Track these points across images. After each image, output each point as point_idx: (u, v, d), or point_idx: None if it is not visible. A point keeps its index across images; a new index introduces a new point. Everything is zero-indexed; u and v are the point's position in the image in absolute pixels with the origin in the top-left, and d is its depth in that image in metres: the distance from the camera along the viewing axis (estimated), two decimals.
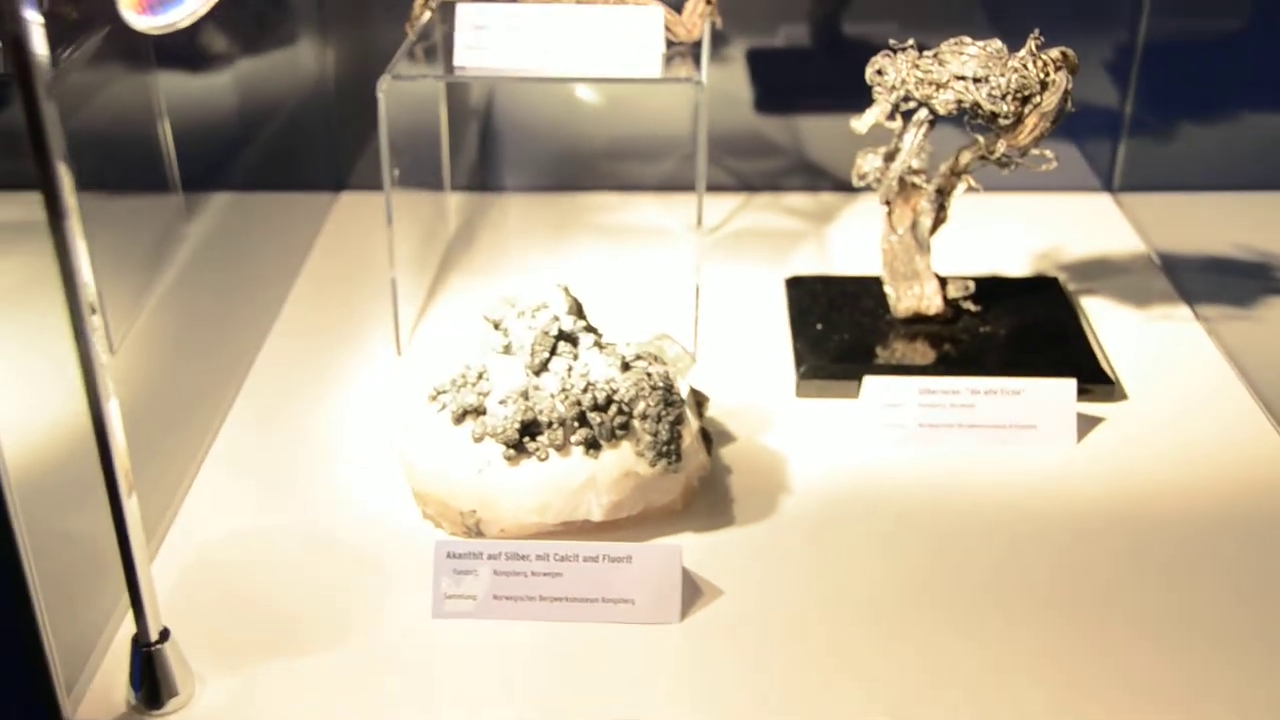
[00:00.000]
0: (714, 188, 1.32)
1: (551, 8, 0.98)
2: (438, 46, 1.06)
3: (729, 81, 1.36)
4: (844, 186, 1.31)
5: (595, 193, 1.33)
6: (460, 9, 0.99)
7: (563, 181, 1.34)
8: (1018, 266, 1.18)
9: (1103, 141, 1.35)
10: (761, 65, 1.43)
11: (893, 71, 0.97)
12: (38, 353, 0.77)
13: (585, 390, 0.84)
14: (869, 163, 1.02)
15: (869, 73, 0.99)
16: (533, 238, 1.25)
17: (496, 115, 1.37)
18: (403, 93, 0.98)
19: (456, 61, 0.98)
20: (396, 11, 1.34)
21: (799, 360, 1.03)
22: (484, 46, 0.98)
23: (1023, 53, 0.95)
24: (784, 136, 1.40)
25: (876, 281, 1.08)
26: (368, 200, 1.31)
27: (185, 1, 0.77)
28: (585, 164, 1.34)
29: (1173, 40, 1.30)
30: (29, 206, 0.68)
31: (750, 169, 1.36)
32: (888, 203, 1.02)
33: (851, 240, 1.23)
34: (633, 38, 0.97)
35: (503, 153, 1.36)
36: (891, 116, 0.98)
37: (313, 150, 1.33)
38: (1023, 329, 1.05)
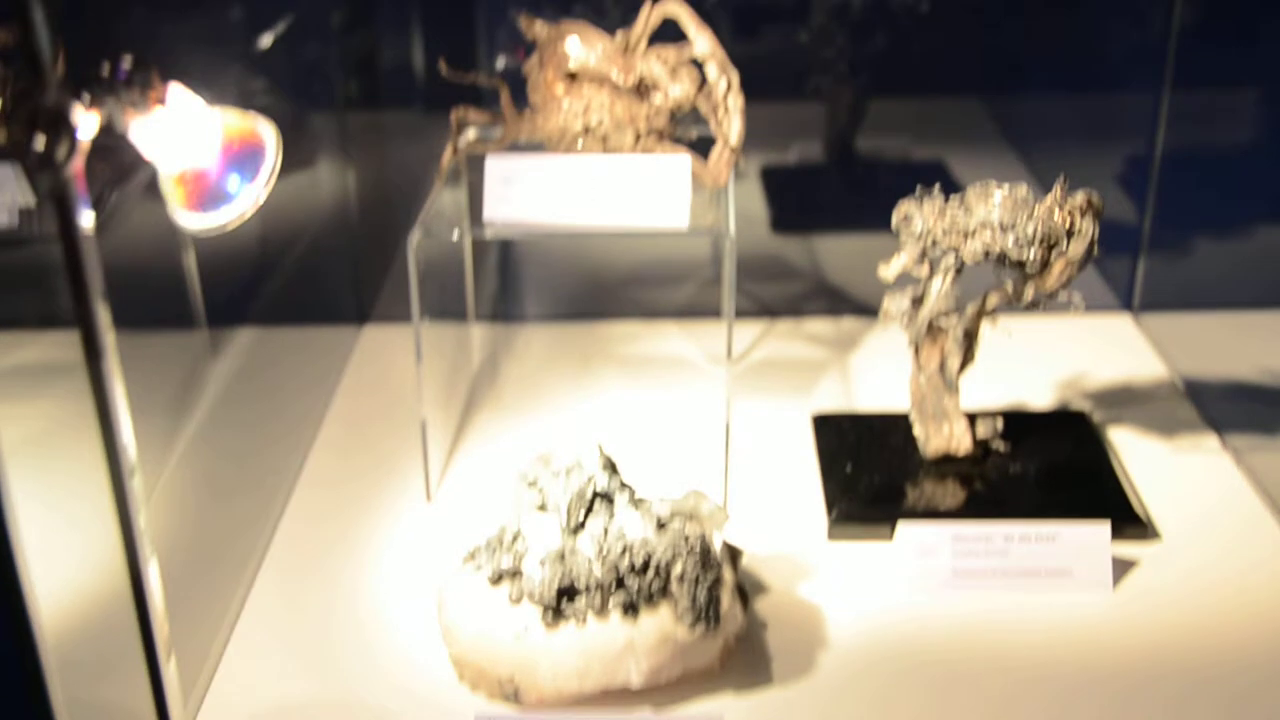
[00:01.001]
0: (735, 314, 1.34)
1: (578, 158, 1.02)
2: (465, 194, 1.09)
3: (744, 200, 1.40)
4: (865, 310, 1.35)
5: (618, 321, 1.35)
6: (489, 161, 1.01)
7: (585, 310, 1.36)
8: (1042, 396, 1.20)
9: (1121, 260, 1.37)
10: (776, 183, 1.47)
11: (920, 219, 1.00)
12: (65, 510, 0.77)
13: (622, 553, 0.85)
14: (896, 305, 1.04)
15: (895, 219, 1.01)
16: (558, 370, 1.26)
17: (518, 246, 1.40)
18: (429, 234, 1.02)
19: (486, 215, 1.01)
20: (420, 138, 1.38)
21: (830, 504, 1.04)
22: (512, 198, 1.01)
23: (1048, 200, 0.98)
24: (802, 258, 1.43)
25: (904, 418, 1.09)
26: (393, 333, 1.33)
27: (236, 201, 0.80)
28: (607, 292, 1.37)
29: (1191, 153, 1.33)
30: (55, 347, 0.69)
31: (770, 293, 1.38)
32: (917, 346, 1.04)
33: (876, 370, 1.25)
34: (660, 186, 1.00)
35: (525, 283, 1.40)
36: (919, 262, 1.00)
37: (335, 282, 1.36)
38: (1052, 467, 1.06)
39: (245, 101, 0.88)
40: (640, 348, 1.31)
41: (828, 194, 1.45)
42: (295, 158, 1.33)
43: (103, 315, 0.64)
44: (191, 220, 0.81)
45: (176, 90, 0.79)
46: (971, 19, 1.35)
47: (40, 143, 0.57)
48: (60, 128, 0.57)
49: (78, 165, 0.60)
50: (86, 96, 0.69)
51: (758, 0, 1.35)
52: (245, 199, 0.82)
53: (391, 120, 1.41)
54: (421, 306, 1.01)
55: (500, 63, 1.34)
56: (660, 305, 1.36)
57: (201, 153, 0.80)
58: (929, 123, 1.43)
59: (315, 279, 1.33)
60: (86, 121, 0.71)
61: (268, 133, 0.85)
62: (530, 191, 1.00)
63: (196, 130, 0.80)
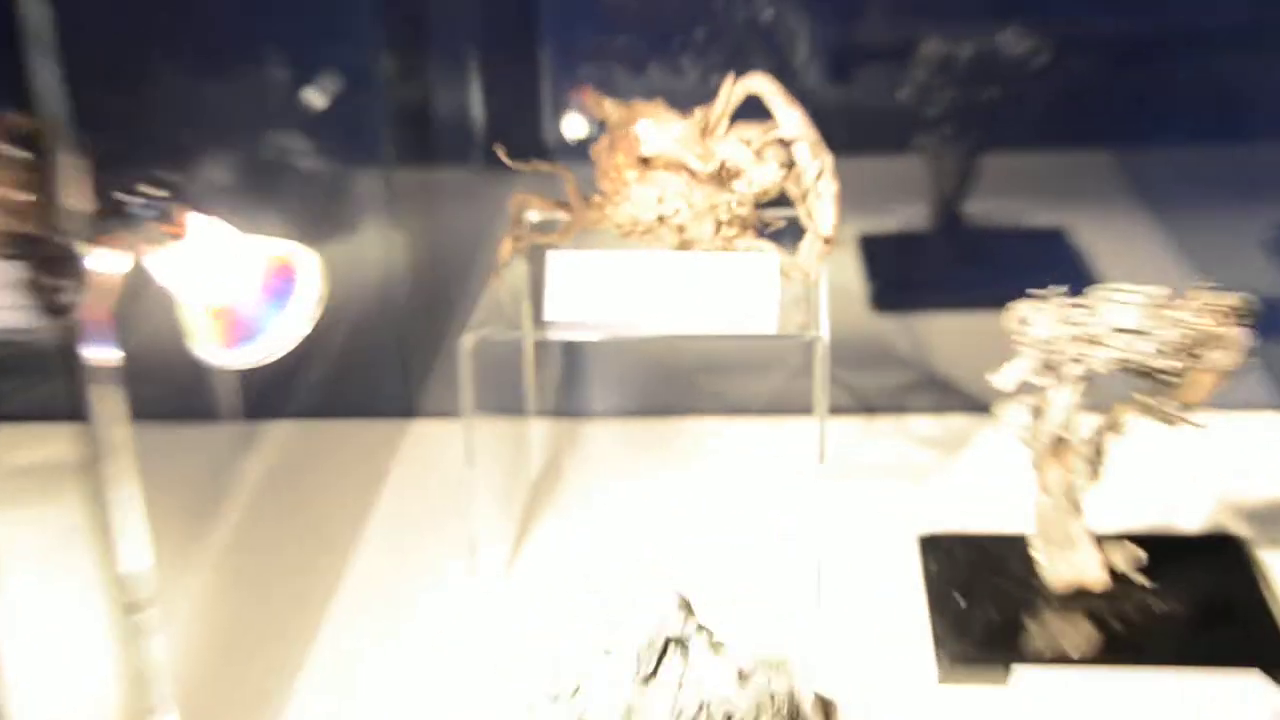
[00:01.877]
0: (830, 409, 1.33)
1: (652, 254, 1.01)
2: (523, 288, 1.09)
3: (839, 273, 1.38)
4: (977, 406, 1.31)
5: (692, 417, 1.34)
6: (552, 257, 1.01)
7: (656, 404, 1.35)
8: (1189, 515, 1.15)
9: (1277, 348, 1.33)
10: (875, 253, 1.44)
11: (1039, 323, 0.98)
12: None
13: (699, 710, 0.84)
14: (1013, 416, 1.02)
15: (1010, 321, 0.99)
16: (625, 473, 1.25)
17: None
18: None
19: (548, 314, 1.00)
20: (476, 199, 1.39)
21: (939, 643, 1.00)
22: (577, 296, 1.00)
23: (1192, 302, 0.95)
24: (904, 341, 1.40)
25: (1023, 541, 1.06)
26: (444, 429, 1.32)
27: (268, 337, 0.81)
28: (680, 384, 1.36)
29: None
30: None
31: (867, 384, 1.36)
32: (1038, 464, 1.02)
33: (991, 481, 1.21)
34: (744, 287, 0.99)
35: (590, 375, 1.39)
36: (1038, 371, 0.98)
37: (381, 370, 1.36)
38: (1202, 605, 1.01)
39: (278, 168, 0.90)
40: (718, 449, 1.29)
41: (933, 266, 1.42)
42: (335, 222, 1.37)
43: (117, 433, 0.65)
44: (219, 356, 0.82)
45: (198, 220, 0.80)
46: (1096, 61, 1.32)
47: (48, 285, 0.59)
48: (67, 271, 0.58)
49: (93, 306, 0.62)
50: (99, 232, 0.70)
51: (854, 44, 1.34)
52: (279, 334, 0.83)
53: (445, 179, 1.42)
54: (475, 406, 1.00)
55: (568, 124, 1.35)
56: (741, 400, 1.35)
57: (229, 285, 0.81)
58: (1049, 182, 1.41)
59: (358, 366, 1.33)
60: (111, 259, 0.71)
61: (306, 261, 0.86)
62: (597, 290, 1.00)
63: (222, 261, 0.81)
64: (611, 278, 1.01)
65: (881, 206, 1.40)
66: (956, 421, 1.32)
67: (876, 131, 1.37)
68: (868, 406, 1.35)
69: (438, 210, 1.43)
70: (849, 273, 1.40)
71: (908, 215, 1.40)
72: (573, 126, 1.33)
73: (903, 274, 1.41)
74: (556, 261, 1.01)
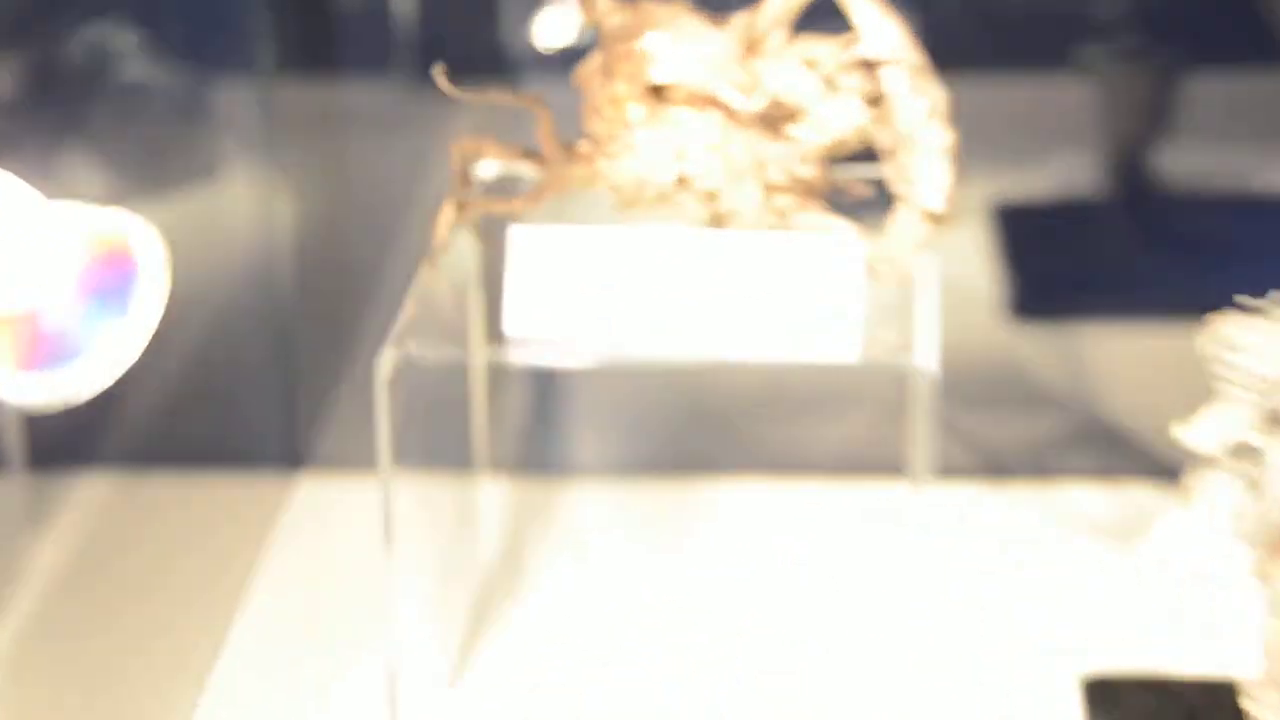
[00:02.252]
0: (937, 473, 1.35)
1: (667, 235, 1.01)
2: (470, 282, 1.08)
3: (955, 267, 1.40)
4: (1159, 470, 1.31)
5: (723, 477, 1.34)
6: (515, 236, 1.01)
7: (671, 458, 1.35)
8: None
9: None
10: (1013, 233, 1.46)
11: (1256, 349, 0.97)
12: None
13: None
14: (1216, 491, 1.01)
15: (1208, 345, 0.98)
16: (622, 557, 1.26)
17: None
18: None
19: (508, 324, 1.01)
20: (400, 150, 1.40)
21: None
22: (552, 298, 1.00)
23: None
24: (1053, 370, 1.41)
25: (1233, 690, 1.04)
26: (346, 487, 1.33)
27: (90, 355, 0.80)
28: (707, 428, 1.36)
29: None
30: None
31: (998, 433, 1.37)
32: (1263, 569, 1.01)
33: (1183, 590, 1.21)
34: (809, 288, 1.00)
35: (571, 412, 1.40)
36: (1253, 424, 0.97)
37: (253, 402, 1.37)
38: None
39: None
40: (762, 525, 1.29)
41: (1101, 253, 1.44)
42: (185, 167, 1.37)
43: None
44: (13, 386, 0.82)
45: None
46: None
47: None
48: None
49: None
50: None
51: None
52: (107, 349, 0.83)
53: (353, 103, 1.43)
54: (396, 455, 1.01)
55: (544, 28, 1.34)
56: (800, 453, 1.35)
57: (26, 280, 0.81)
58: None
59: (221, 394, 1.34)
60: None
61: (145, 241, 0.86)
62: (583, 287, 1.00)
63: (13, 243, 0.81)
64: (605, 269, 1.00)
65: (1024, 160, 1.42)
66: (1133, 495, 1.32)
67: (1019, 41, 1.38)
68: (996, 466, 1.34)
69: (342, 152, 1.43)
70: (970, 265, 1.41)
71: (1063, 173, 1.42)
72: (550, 31, 1.32)
73: (1054, 265, 1.43)
74: (522, 242, 1.01)
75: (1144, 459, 1.34)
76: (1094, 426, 1.38)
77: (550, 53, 1.37)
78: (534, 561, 1.27)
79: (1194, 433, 0.99)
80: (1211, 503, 1.01)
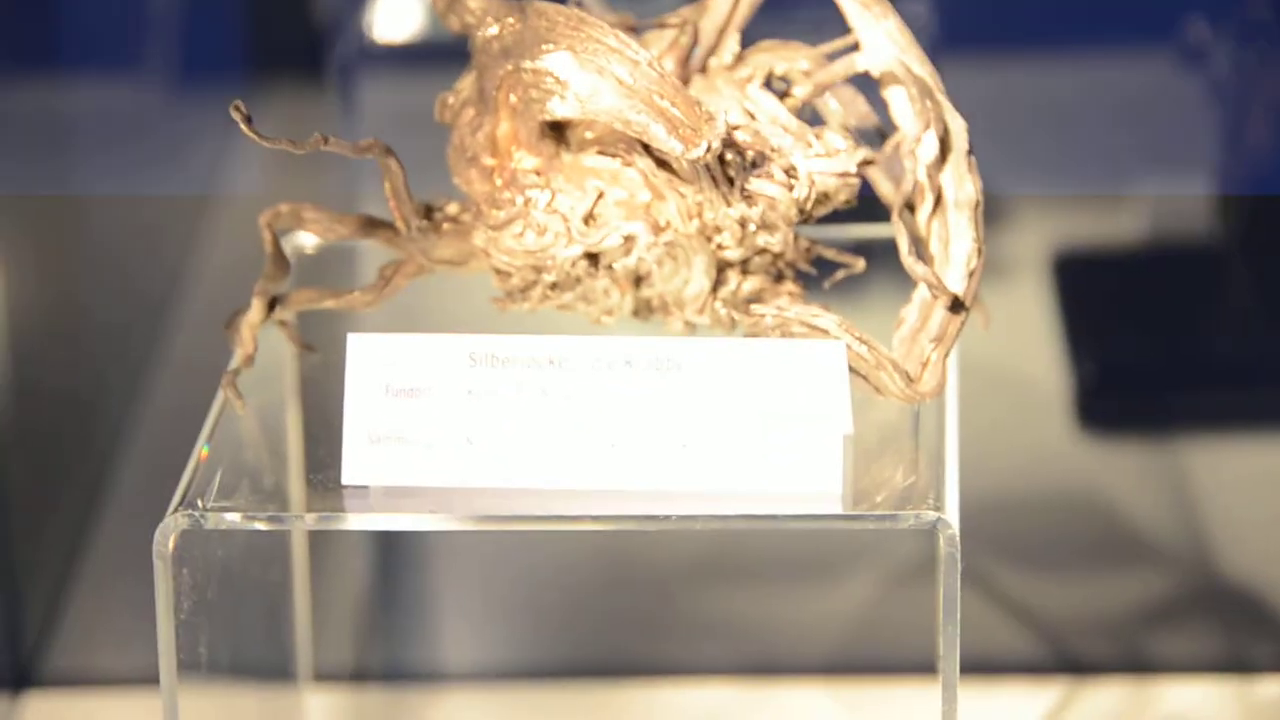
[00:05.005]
0: (975, 669, 1.40)
1: (576, 343, 1.05)
2: (287, 414, 1.14)
3: (996, 361, 1.46)
4: (1264, 657, 1.43)
5: (660, 678, 1.41)
6: (356, 345, 1.05)
7: (587, 657, 1.43)
8: None
9: None
10: (1084, 311, 1.54)
11: None
12: None
13: None
14: None
15: None
16: None
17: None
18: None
19: (347, 472, 1.05)
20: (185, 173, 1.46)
21: None
22: (407, 436, 1.05)
23: None
24: (1148, 509, 1.49)
25: None
26: (92, 710, 1.38)
27: None
28: (639, 615, 1.45)
29: None
30: None
31: (1068, 607, 1.46)
32: None
33: None
34: (782, 412, 1.05)
35: (437, 597, 1.47)
36: None
37: None
38: None
39: None
40: None
41: (1227, 329, 1.53)
42: None
43: None
44: None
45: None
46: None
47: None
48: None
49: None
50: None
51: None
52: None
53: (91, 110, 1.49)
54: (184, 658, 1.05)
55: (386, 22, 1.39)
56: (774, 639, 1.43)
57: None
58: None
59: None
60: None
61: None
62: (450, 417, 1.05)
63: None
64: (483, 390, 1.05)
65: (1107, 185, 1.50)
66: (1264, 692, 1.40)
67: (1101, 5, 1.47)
68: (1066, 655, 1.43)
69: (71, 190, 1.49)
70: (1024, 349, 1.49)
71: (1164, 208, 1.50)
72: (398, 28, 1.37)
73: (1153, 347, 1.51)
74: (364, 353, 1.05)
75: None
76: (1211, 596, 1.45)
77: (393, 46, 1.41)
78: None
79: None
80: None
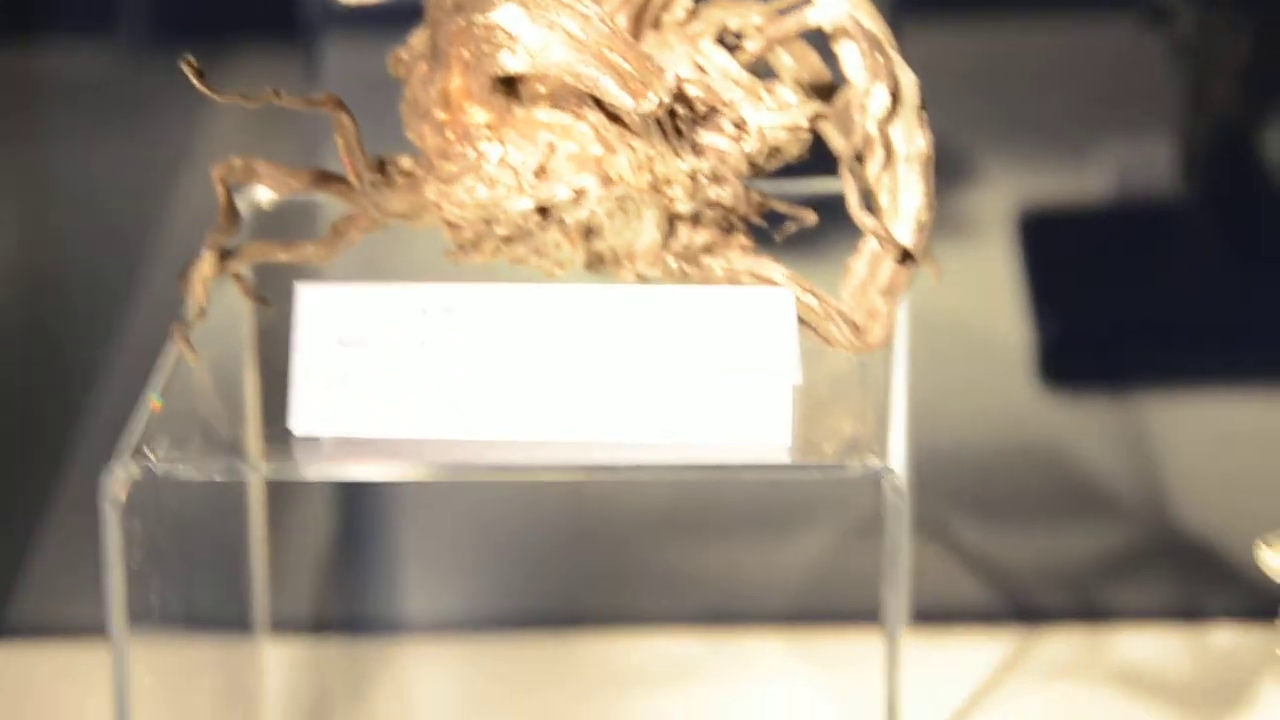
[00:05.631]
0: (931, 619, 1.43)
1: (529, 291, 1.07)
2: (241, 362, 1.15)
3: (965, 302, 1.49)
4: (1256, 609, 1.41)
5: (619, 629, 1.43)
6: (306, 297, 1.07)
7: (540, 607, 1.44)
8: None
9: None
10: (1053, 253, 1.55)
11: None
12: None
13: None
14: None
15: None
16: None
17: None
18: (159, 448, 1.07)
19: (297, 420, 1.06)
20: (127, 152, 1.46)
21: None
22: (357, 384, 1.06)
23: None
24: (1105, 462, 1.50)
25: None
26: (52, 659, 1.39)
27: None
28: (595, 561, 1.46)
29: None
30: None
31: (1022, 558, 1.47)
32: None
33: None
34: (730, 361, 1.06)
35: (394, 548, 1.48)
36: None
37: None
38: None
39: None
40: (680, 696, 1.38)
41: (1184, 286, 1.53)
42: None
43: None
44: None
45: None
46: None
47: None
48: None
49: None
50: None
51: None
52: None
53: (64, 76, 1.50)
54: (134, 608, 1.05)
55: None
56: (731, 589, 1.44)
57: None
58: None
59: None
60: None
61: None
62: (404, 367, 1.06)
63: None
64: (437, 341, 1.06)
65: (1067, 147, 1.51)
66: (1215, 641, 1.41)
67: None
68: (1021, 605, 1.45)
69: (40, 153, 1.50)
70: (986, 305, 1.50)
71: (1126, 165, 1.51)
72: None
73: (1111, 303, 1.52)
74: (316, 305, 1.07)
75: (1236, 592, 1.43)
76: (1165, 546, 1.47)
77: (353, 5, 1.41)
78: None
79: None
80: None
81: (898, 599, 1.07)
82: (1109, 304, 1.54)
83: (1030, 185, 1.54)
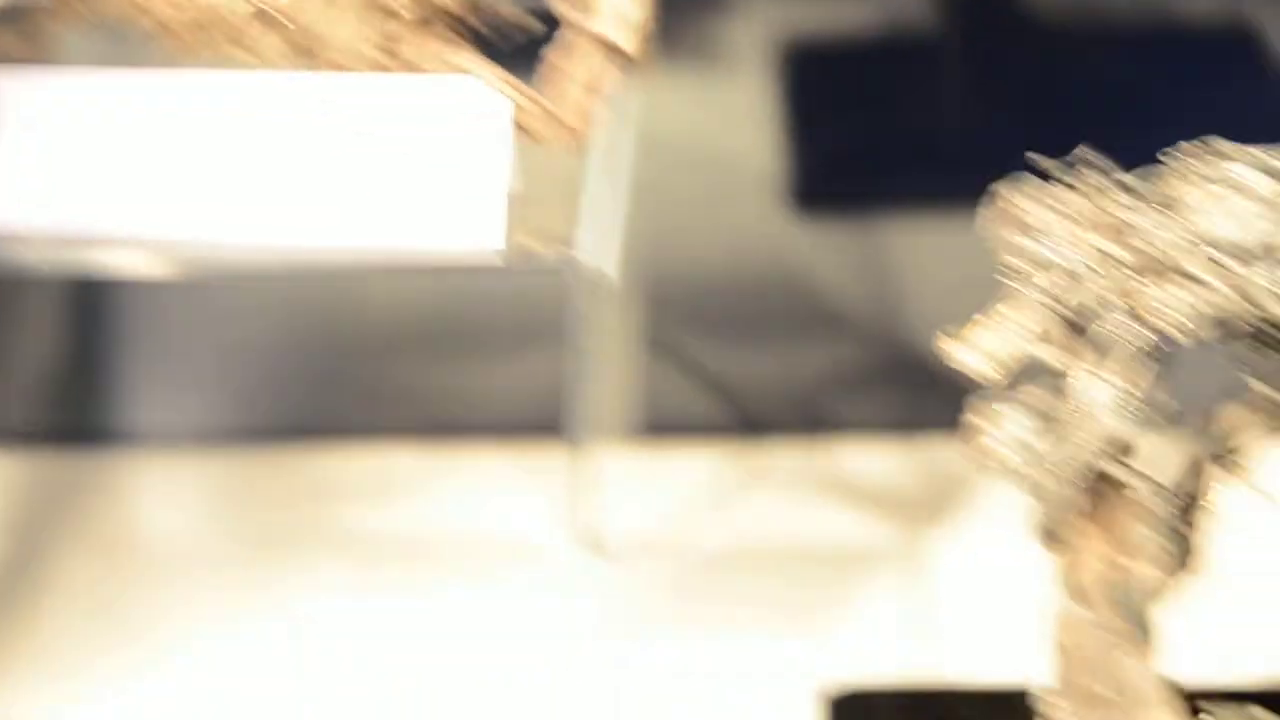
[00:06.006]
0: (659, 431, 1.45)
1: (221, 79, 1.07)
2: None
3: (719, 127, 1.51)
4: (938, 421, 1.42)
5: (348, 442, 1.43)
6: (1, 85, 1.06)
7: (266, 418, 1.45)
8: None
9: None
10: (806, 82, 1.56)
11: (1049, 229, 1.07)
12: None
13: None
14: (1005, 429, 1.09)
15: (996, 224, 1.08)
16: (176, 562, 1.34)
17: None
18: None
19: None
20: None
21: None
22: (65, 172, 1.06)
23: None
24: (843, 282, 1.54)
25: (1025, 701, 1.13)
26: None
27: None
28: (320, 369, 1.47)
29: None
30: None
31: (750, 373, 1.49)
32: (1056, 533, 1.10)
33: (957, 573, 1.33)
34: (435, 156, 1.06)
35: (109, 350, 1.48)
36: (1050, 337, 1.07)
37: None
38: None
39: None
40: (390, 511, 1.39)
41: (932, 114, 1.57)
42: None
43: None
44: None
45: None
46: None
47: None
48: None
49: None
50: None
51: None
52: None
53: None
54: None
55: None
56: (460, 401, 1.46)
57: None
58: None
59: None
60: None
61: None
62: (107, 158, 1.06)
63: None
64: (143, 130, 1.06)
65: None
66: (932, 454, 1.45)
67: None
68: (745, 418, 1.47)
69: None
70: (730, 141, 1.53)
71: (881, 11, 1.57)
72: None
73: (859, 130, 1.56)
74: (9, 94, 1.07)
75: (958, 408, 1.46)
76: (891, 363, 1.50)
77: None
78: (56, 575, 1.33)
79: (967, 348, 1.08)
80: (996, 445, 1.09)
81: (582, 396, 1.10)
82: (854, 130, 1.55)
83: (786, 14, 1.54)
